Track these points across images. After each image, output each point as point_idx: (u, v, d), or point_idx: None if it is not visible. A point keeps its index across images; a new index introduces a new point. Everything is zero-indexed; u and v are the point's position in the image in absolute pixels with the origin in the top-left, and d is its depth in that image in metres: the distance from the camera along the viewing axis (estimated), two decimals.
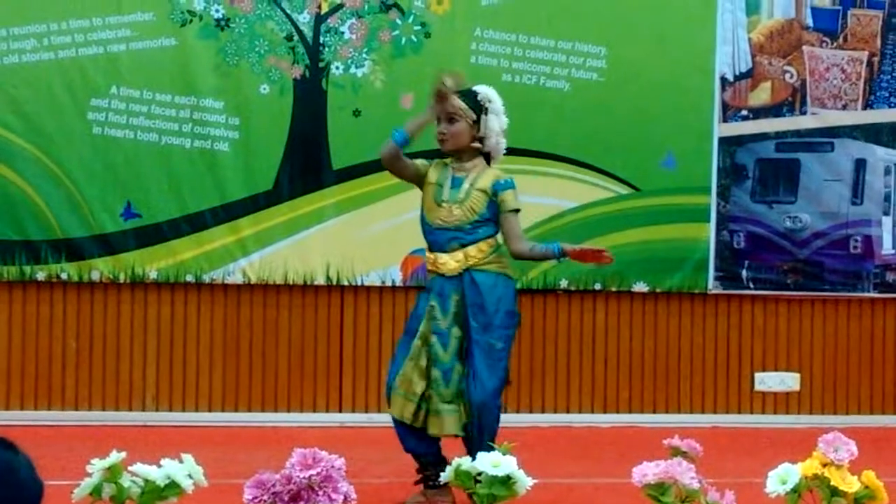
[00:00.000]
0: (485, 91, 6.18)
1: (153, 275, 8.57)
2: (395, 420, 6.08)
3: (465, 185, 6.03)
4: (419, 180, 6.16)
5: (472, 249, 6.00)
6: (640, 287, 9.05)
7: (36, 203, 8.43)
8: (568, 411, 9.03)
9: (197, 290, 8.64)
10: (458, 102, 6.05)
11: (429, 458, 6.11)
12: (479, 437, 5.89)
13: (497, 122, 6.16)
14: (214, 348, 8.67)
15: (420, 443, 6.08)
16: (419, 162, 6.16)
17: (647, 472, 3.68)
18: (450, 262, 6.01)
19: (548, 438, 8.33)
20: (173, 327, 8.65)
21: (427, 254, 6.15)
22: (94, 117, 8.49)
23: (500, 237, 6.13)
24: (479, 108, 6.09)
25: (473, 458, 3.80)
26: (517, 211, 6.11)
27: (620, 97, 8.91)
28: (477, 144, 6.11)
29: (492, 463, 3.68)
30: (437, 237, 6.04)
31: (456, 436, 6.00)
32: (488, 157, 6.20)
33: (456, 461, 3.80)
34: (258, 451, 7.31)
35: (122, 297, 8.63)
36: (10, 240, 8.43)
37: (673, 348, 9.18)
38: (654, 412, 9.09)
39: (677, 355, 9.19)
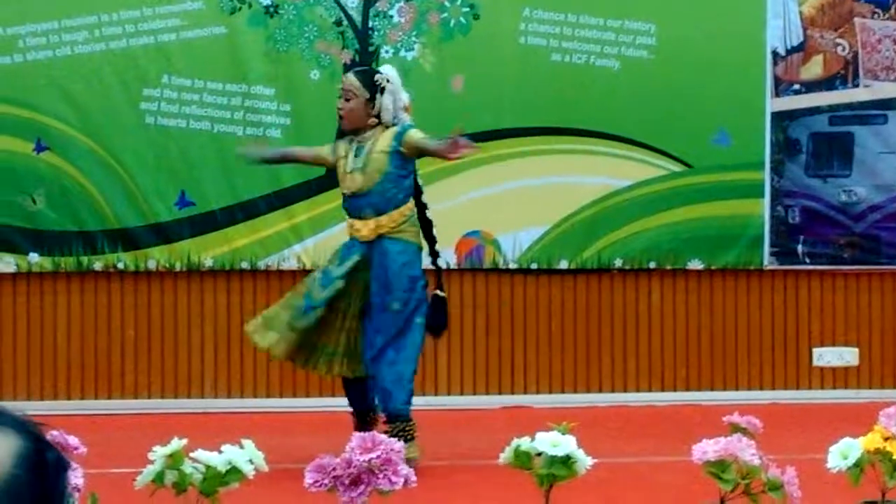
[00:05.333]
0: (384, 71, 6.65)
1: (208, 262, 8.61)
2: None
3: (365, 153, 6.47)
4: (324, 162, 6.70)
5: (384, 218, 6.43)
6: (695, 265, 9.01)
7: (91, 194, 8.49)
8: (625, 390, 9.02)
9: (252, 277, 8.67)
10: (354, 81, 6.52)
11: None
12: (383, 396, 6.57)
13: (391, 100, 6.53)
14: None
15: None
16: (321, 148, 6.73)
17: (707, 449, 3.67)
18: (363, 229, 6.47)
19: (605, 418, 8.32)
20: (230, 314, 8.69)
21: (347, 219, 6.62)
22: (147, 107, 8.54)
23: (412, 206, 6.56)
24: (374, 87, 6.49)
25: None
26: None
27: (671, 74, 8.87)
28: (374, 121, 6.51)
29: (551, 443, 3.68)
30: (351, 204, 6.53)
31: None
32: None
33: (515, 442, 3.80)
34: (317, 436, 7.33)
35: (179, 285, 8.68)
36: (68, 231, 8.49)
37: (730, 325, 9.15)
38: (712, 389, 9.05)
39: (734, 332, 9.15)
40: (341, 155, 6.53)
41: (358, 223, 6.48)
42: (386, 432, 6.50)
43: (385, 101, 6.51)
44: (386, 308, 6.50)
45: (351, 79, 6.57)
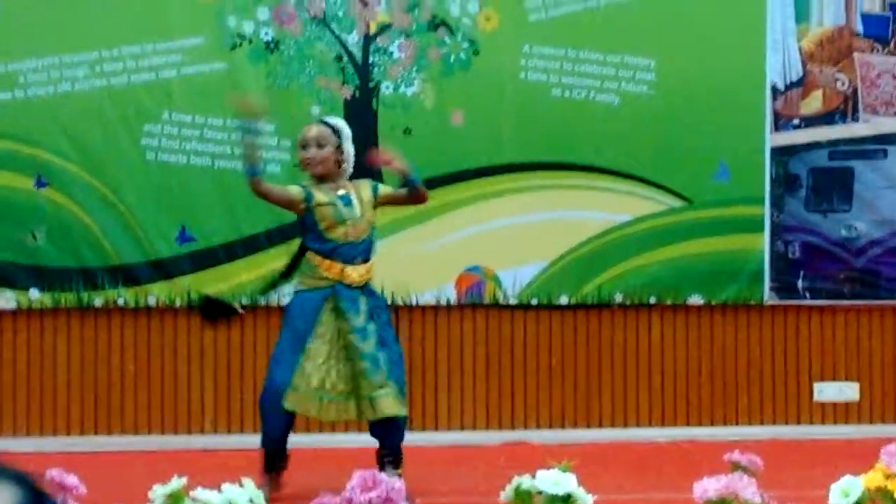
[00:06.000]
0: (335, 120, 6.95)
1: None
2: (278, 413, 6.61)
3: (355, 202, 6.73)
4: (293, 205, 6.74)
5: (369, 266, 6.74)
6: (696, 300, 9.02)
7: (92, 229, 8.50)
8: (626, 425, 9.00)
9: (253, 313, 8.66)
10: (325, 129, 6.77)
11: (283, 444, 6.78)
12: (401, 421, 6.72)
13: (351, 148, 6.86)
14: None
15: (284, 435, 6.74)
16: (291, 188, 6.78)
17: (709, 487, 3.66)
18: (353, 274, 6.66)
19: (606, 453, 8.30)
20: (230, 350, 8.69)
21: (327, 262, 6.67)
22: (148, 143, 8.55)
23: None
24: (338, 135, 6.78)
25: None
26: None
27: (671, 109, 8.89)
28: (344, 167, 6.82)
29: (552, 481, 3.67)
30: (345, 251, 6.68)
31: (396, 416, 6.64)
32: None
33: (516, 480, 3.79)
34: (316, 472, 7.31)
35: (179, 321, 8.67)
36: (68, 267, 8.49)
37: (730, 360, 9.14)
38: (713, 425, 9.04)
39: (734, 367, 9.14)
40: (323, 202, 6.69)
41: (349, 269, 6.66)
42: (390, 461, 6.67)
43: (349, 148, 6.81)
44: (392, 335, 6.84)
45: (321, 128, 6.80)
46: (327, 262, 6.68)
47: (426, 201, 7.07)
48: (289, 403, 6.59)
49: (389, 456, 6.70)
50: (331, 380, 6.60)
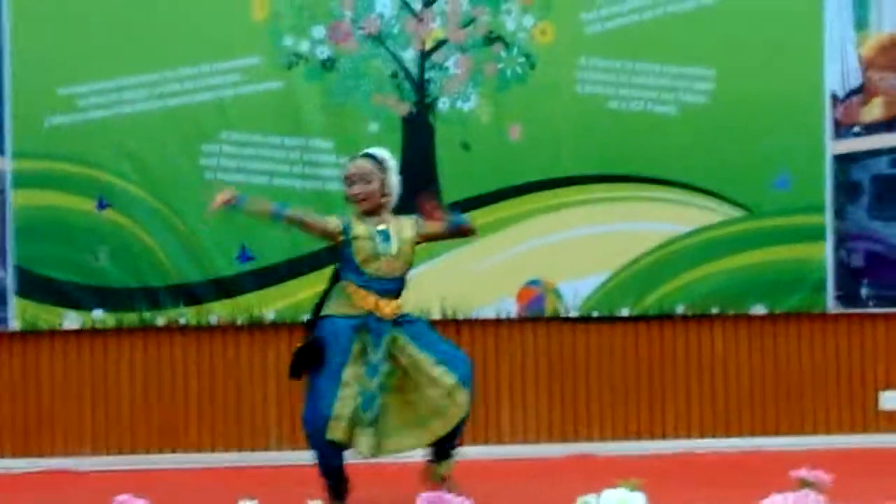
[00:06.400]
0: (380, 152, 6.90)
1: (270, 316, 8.65)
2: (329, 445, 6.59)
3: (394, 238, 6.74)
4: (330, 236, 6.79)
5: (400, 301, 6.74)
6: (758, 310, 8.96)
7: (153, 250, 8.55)
8: (689, 436, 8.96)
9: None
10: (368, 163, 6.77)
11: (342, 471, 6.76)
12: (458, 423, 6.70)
13: (396, 179, 6.85)
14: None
15: (340, 462, 6.73)
16: (329, 219, 6.81)
17: None
18: (386, 309, 6.67)
19: (671, 466, 8.26)
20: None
21: (362, 292, 6.68)
22: (206, 162, 8.60)
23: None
24: (383, 168, 6.79)
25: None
26: None
27: (729, 119, 8.85)
28: (386, 199, 6.82)
29: (618, 500, 3.66)
30: (379, 286, 6.69)
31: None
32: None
33: (581, 500, 3.78)
34: (377, 488, 7.32)
35: (241, 339, 8.71)
36: (130, 287, 8.55)
37: (794, 370, 9.08)
38: (777, 435, 8.98)
39: (798, 377, 9.08)
40: (361, 235, 6.70)
41: (381, 302, 6.68)
42: (453, 444, 6.77)
43: (393, 181, 6.82)
44: (447, 345, 6.88)
45: (365, 161, 6.81)
46: (362, 292, 6.69)
47: (474, 234, 7.12)
48: (331, 433, 6.57)
49: (448, 441, 6.75)
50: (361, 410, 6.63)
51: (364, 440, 6.59)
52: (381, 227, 6.75)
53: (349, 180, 6.79)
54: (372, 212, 6.77)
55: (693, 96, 8.87)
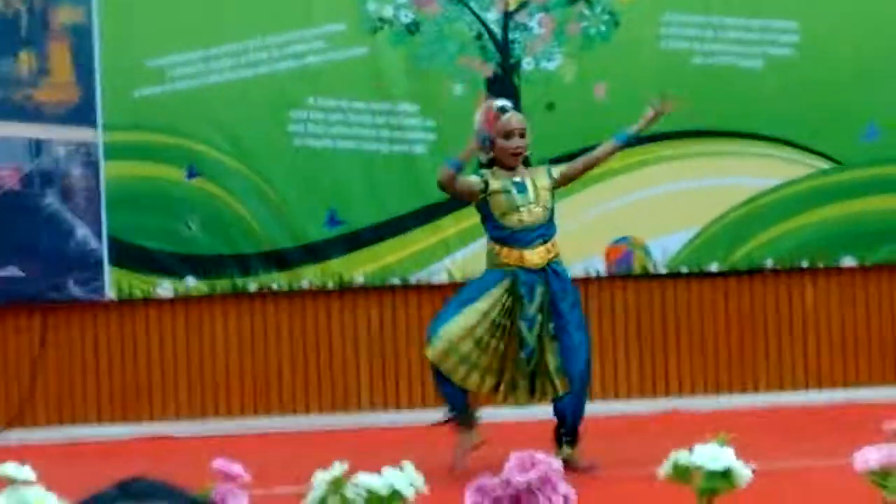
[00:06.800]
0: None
1: (360, 280, 8.71)
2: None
3: (530, 188, 6.83)
4: (473, 196, 6.90)
5: (550, 245, 6.84)
6: (848, 261, 8.91)
7: (243, 217, 8.65)
8: (780, 390, 8.93)
9: (404, 292, 8.75)
10: (523, 118, 6.98)
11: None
12: (577, 404, 6.88)
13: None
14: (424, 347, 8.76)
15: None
16: (472, 179, 6.90)
17: (869, 457, 3.63)
18: (534, 257, 6.79)
19: (761, 420, 8.24)
20: (382, 330, 8.78)
21: (505, 250, 6.82)
22: (294, 129, 8.67)
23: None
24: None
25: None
26: None
27: (816, 71, 8.78)
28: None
29: (710, 456, 3.67)
30: (522, 237, 6.81)
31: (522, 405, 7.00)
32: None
33: (673, 455, 3.79)
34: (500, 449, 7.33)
35: (332, 303, 8.79)
36: (222, 254, 8.65)
37: (886, 321, 9.02)
38: (870, 385, 8.93)
39: (891, 328, 9.02)
40: (498, 189, 6.81)
41: (527, 253, 6.80)
42: (568, 441, 6.85)
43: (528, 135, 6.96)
44: (581, 320, 7.03)
45: (522, 116, 7.00)
46: (505, 249, 6.82)
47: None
48: (430, 352, 6.82)
49: (568, 436, 6.88)
50: (478, 350, 6.76)
51: (517, 393, 6.85)
52: (517, 178, 6.86)
53: (511, 133, 6.86)
54: (510, 166, 6.87)
55: (778, 49, 8.81)
